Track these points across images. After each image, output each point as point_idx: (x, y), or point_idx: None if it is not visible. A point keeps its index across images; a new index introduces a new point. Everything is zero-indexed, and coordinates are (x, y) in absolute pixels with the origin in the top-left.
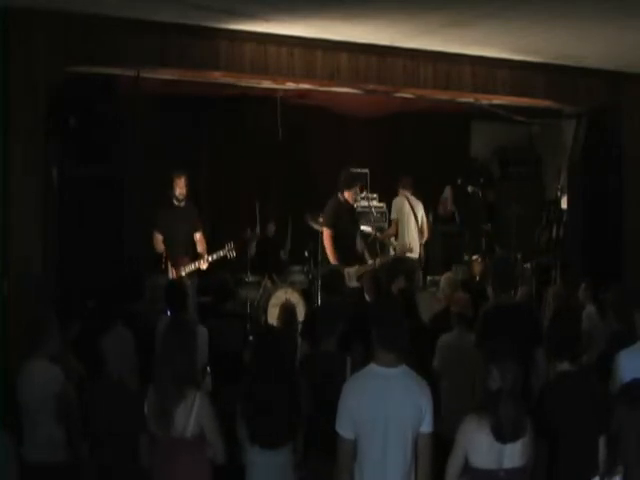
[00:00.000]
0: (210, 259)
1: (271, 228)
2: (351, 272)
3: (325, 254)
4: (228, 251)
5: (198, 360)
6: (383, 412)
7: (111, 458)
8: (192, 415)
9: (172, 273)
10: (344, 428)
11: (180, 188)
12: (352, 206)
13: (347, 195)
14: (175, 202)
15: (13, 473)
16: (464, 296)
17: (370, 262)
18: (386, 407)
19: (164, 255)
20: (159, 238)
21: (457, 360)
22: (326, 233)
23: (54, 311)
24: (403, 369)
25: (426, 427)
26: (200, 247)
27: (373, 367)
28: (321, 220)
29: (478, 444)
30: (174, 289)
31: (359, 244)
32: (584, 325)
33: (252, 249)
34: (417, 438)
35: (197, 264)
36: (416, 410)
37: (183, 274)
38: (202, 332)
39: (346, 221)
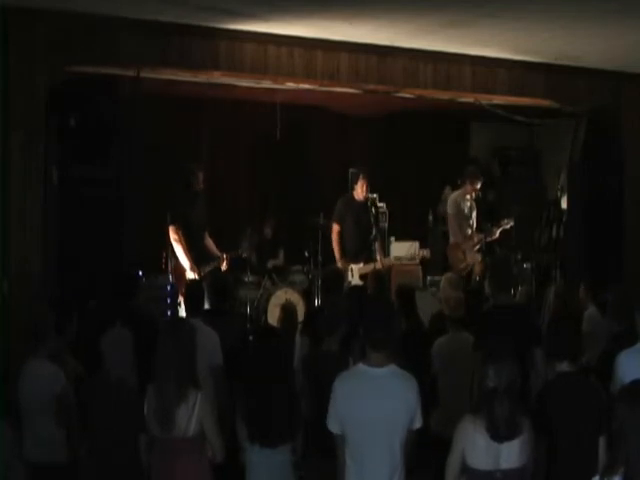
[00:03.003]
0: (229, 258)
1: (270, 228)
2: (355, 269)
3: (329, 252)
4: (244, 250)
5: (212, 362)
6: (368, 412)
7: (110, 458)
8: (194, 415)
9: (173, 275)
10: (333, 424)
11: (200, 182)
12: (364, 204)
13: (355, 191)
14: (193, 195)
15: (20, 473)
16: (454, 296)
17: (379, 261)
18: (371, 407)
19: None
20: (178, 231)
21: (453, 361)
22: (333, 228)
23: (52, 311)
24: (391, 369)
25: (416, 424)
26: (212, 246)
27: (361, 367)
28: (322, 220)
29: (475, 444)
30: (197, 290)
31: (376, 243)
32: (585, 326)
33: (252, 249)
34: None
35: (217, 264)
36: (406, 409)
37: (202, 274)
38: (212, 335)
39: (354, 217)
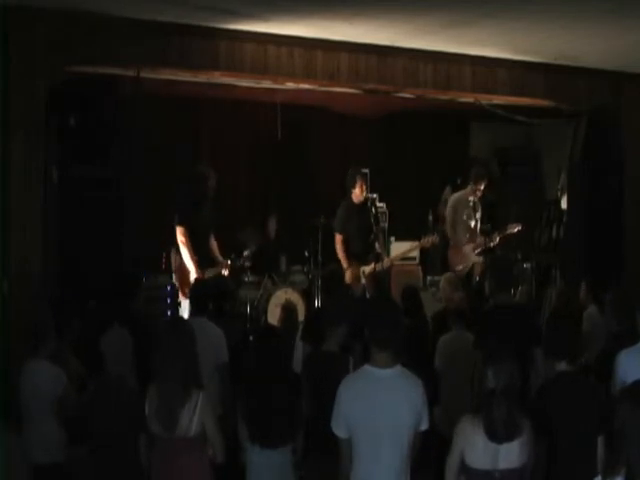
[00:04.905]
0: (232, 265)
1: (272, 229)
2: (366, 270)
3: (329, 252)
4: (246, 258)
5: (218, 359)
6: (374, 414)
7: (111, 458)
8: (196, 415)
9: (176, 275)
10: (338, 428)
11: (211, 188)
12: (364, 205)
13: (354, 194)
14: (201, 199)
15: (24, 474)
16: (459, 295)
17: (385, 261)
18: (377, 409)
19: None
20: (185, 234)
21: (456, 360)
22: (337, 238)
23: (51, 312)
24: (397, 370)
25: (423, 426)
26: (216, 250)
27: (367, 368)
28: (322, 220)
29: (474, 444)
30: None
31: (376, 242)
32: (585, 325)
33: (252, 249)
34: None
35: (219, 269)
36: (412, 411)
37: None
38: (218, 333)
39: (357, 222)
